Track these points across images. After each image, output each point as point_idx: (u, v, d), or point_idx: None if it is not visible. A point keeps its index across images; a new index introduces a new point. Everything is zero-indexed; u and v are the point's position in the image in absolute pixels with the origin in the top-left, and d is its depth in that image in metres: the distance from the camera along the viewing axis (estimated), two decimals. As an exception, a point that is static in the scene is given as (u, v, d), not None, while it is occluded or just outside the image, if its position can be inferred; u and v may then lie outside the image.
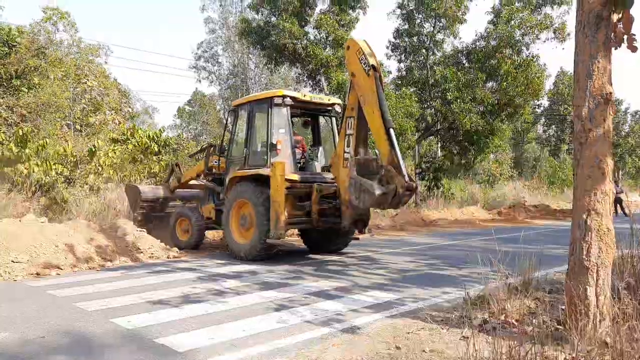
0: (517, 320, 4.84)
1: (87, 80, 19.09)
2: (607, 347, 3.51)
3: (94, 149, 13.54)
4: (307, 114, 10.47)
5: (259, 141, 9.69)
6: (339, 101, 10.31)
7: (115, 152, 14.06)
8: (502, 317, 4.88)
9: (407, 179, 7.59)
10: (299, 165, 9.66)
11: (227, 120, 10.54)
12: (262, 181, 8.85)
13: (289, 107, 9.25)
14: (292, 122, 9.68)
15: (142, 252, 9.19)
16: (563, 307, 4.51)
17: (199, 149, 13.63)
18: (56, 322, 5.01)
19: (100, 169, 13.57)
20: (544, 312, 4.84)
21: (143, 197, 11.36)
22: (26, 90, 16.79)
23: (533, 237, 12.88)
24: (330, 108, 10.08)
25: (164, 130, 16.48)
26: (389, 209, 10.06)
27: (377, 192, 7.62)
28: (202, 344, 4.41)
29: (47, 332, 4.70)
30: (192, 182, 11.43)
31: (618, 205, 20.79)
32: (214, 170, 10.45)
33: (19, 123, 14.72)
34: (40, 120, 16.58)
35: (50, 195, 12.30)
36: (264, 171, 8.83)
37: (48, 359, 4.02)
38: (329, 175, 9.29)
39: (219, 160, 10.36)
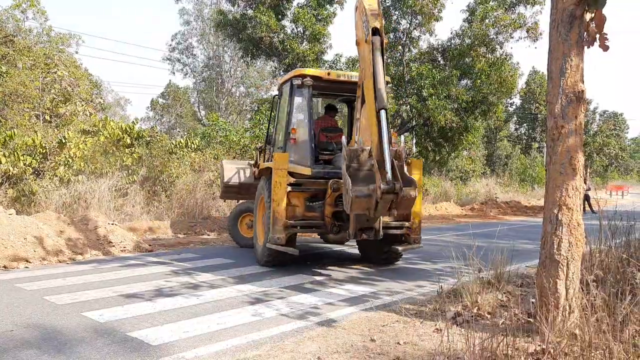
0: (489, 313, 4.94)
1: (57, 69, 18.60)
2: (576, 338, 3.60)
3: (64, 141, 13.22)
4: (336, 96, 9.07)
5: (281, 129, 8.59)
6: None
7: (86, 144, 13.76)
8: (475, 310, 4.97)
9: (389, 176, 5.48)
10: (331, 157, 8.25)
11: (272, 105, 9.46)
12: None
13: (310, 88, 7.83)
14: (335, 106, 8.72)
15: (113, 246, 9.04)
16: (534, 300, 4.61)
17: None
18: (25, 316, 4.89)
19: (70, 160, 13.26)
20: (515, 305, 4.94)
21: (226, 182, 10.23)
22: (-7, 79, 16.30)
23: (505, 232, 13.12)
24: None
25: (137, 122, 16.17)
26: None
27: (353, 193, 5.70)
28: (176, 337, 4.36)
29: (16, 325, 4.58)
30: None
31: (586, 202, 21.33)
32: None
33: (-15, 113, 14.30)
34: (7, 110, 16.11)
35: (19, 187, 11.97)
36: (271, 164, 7.75)
37: (17, 353, 3.92)
38: None
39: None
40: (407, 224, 7.60)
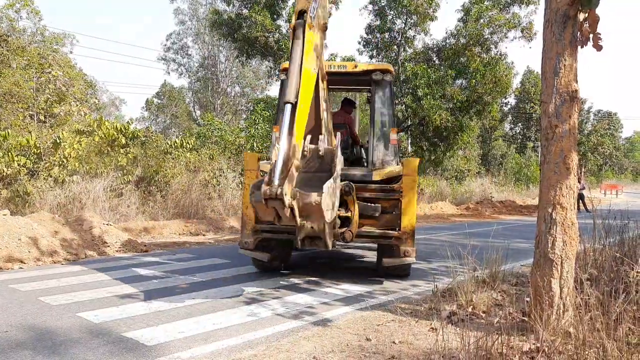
0: (484, 312, 4.95)
1: (52, 69, 18.53)
2: (570, 336, 3.62)
3: (58, 141, 13.17)
4: (331, 89, 8.15)
5: None
6: (384, 65, 7.43)
7: (80, 144, 13.71)
8: (470, 309, 4.98)
9: (275, 180, 4.55)
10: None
11: None
12: None
13: None
14: (352, 100, 8.28)
15: (108, 246, 9.01)
16: (528, 298, 4.63)
17: None
18: (19, 317, 4.87)
19: (65, 161, 13.21)
20: (510, 304, 4.96)
21: None
22: (-13, 79, 16.22)
23: (500, 231, 13.15)
24: (364, 77, 7.32)
25: (132, 122, 16.13)
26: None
27: (251, 198, 4.81)
28: (171, 337, 4.36)
29: (10, 326, 4.56)
30: None
31: (580, 201, 21.43)
32: None
33: (-21, 113, 14.23)
34: (1, 110, 16.02)
35: (13, 188, 11.91)
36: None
37: (11, 354, 3.90)
38: (354, 172, 6.90)
39: None
40: (395, 233, 6.60)
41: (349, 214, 6.45)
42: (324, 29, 5.58)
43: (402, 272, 7.15)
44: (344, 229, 6.47)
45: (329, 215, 4.90)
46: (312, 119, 5.88)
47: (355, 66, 7.33)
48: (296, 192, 4.67)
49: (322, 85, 5.91)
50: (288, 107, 4.98)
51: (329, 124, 6.22)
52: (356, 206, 6.45)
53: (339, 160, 5.27)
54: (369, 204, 6.62)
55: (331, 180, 4.96)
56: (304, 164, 5.48)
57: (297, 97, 4.96)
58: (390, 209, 6.66)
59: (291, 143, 4.82)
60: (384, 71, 7.24)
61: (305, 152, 5.43)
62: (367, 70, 7.26)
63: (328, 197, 4.80)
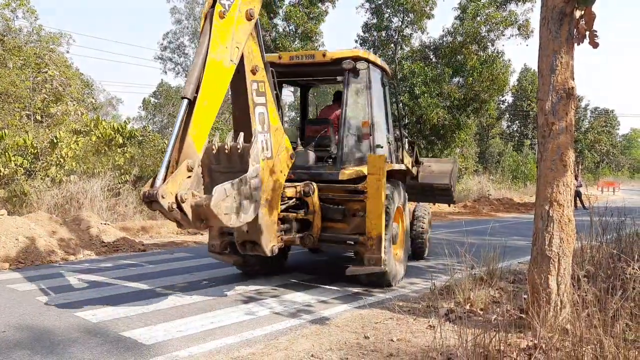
0: (481, 309, 4.97)
1: (48, 69, 18.46)
2: (568, 333, 3.63)
3: (55, 141, 13.14)
4: (299, 80, 7.89)
5: None
6: (355, 52, 6.62)
7: (77, 144, 13.68)
8: (468, 307, 5.00)
9: (158, 182, 4.24)
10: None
11: None
12: None
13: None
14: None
15: (106, 246, 9.00)
16: (525, 295, 4.64)
17: None
18: (17, 317, 4.86)
19: (62, 160, 13.18)
20: (508, 301, 4.98)
21: None
22: (-17, 79, 16.17)
23: (497, 229, 13.17)
24: (336, 66, 6.50)
25: (129, 122, 16.09)
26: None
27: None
28: (169, 336, 4.36)
29: (8, 326, 4.56)
30: None
31: (577, 198, 21.47)
32: None
33: (-25, 113, 14.19)
34: (-2, 110, 15.99)
35: (10, 188, 11.88)
36: None
37: (9, 354, 3.90)
38: (320, 171, 6.42)
39: None
40: (360, 238, 5.97)
41: (309, 217, 6.12)
42: (248, 17, 5.13)
43: (377, 282, 6.29)
44: (303, 233, 6.14)
45: (227, 220, 4.51)
46: (242, 115, 5.40)
47: (324, 54, 6.54)
48: (188, 194, 4.33)
49: (252, 78, 5.38)
50: (184, 102, 4.53)
51: (270, 121, 5.59)
52: (317, 208, 6.09)
53: (253, 158, 4.89)
54: (332, 206, 6.16)
55: (233, 181, 4.55)
56: (227, 163, 5.12)
57: (196, 92, 4.56)
58: (360, 211, 6.06)
59: (184, 141, 4.42)
60: (356, 58, 6.46)
61: (226, 151, 5.08)
62: (337, 59, 6.44)
63: (221, 200, 4.40)
